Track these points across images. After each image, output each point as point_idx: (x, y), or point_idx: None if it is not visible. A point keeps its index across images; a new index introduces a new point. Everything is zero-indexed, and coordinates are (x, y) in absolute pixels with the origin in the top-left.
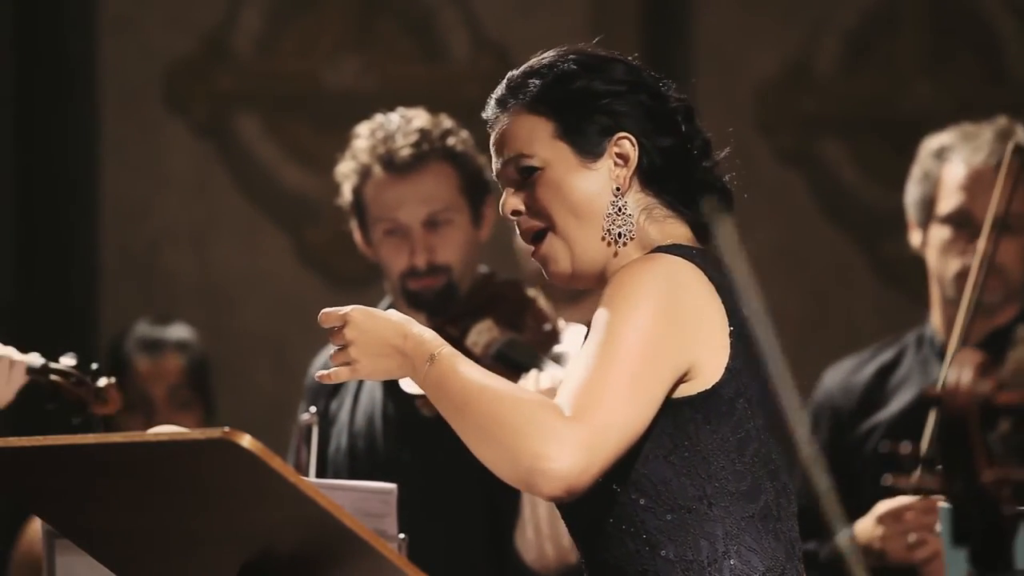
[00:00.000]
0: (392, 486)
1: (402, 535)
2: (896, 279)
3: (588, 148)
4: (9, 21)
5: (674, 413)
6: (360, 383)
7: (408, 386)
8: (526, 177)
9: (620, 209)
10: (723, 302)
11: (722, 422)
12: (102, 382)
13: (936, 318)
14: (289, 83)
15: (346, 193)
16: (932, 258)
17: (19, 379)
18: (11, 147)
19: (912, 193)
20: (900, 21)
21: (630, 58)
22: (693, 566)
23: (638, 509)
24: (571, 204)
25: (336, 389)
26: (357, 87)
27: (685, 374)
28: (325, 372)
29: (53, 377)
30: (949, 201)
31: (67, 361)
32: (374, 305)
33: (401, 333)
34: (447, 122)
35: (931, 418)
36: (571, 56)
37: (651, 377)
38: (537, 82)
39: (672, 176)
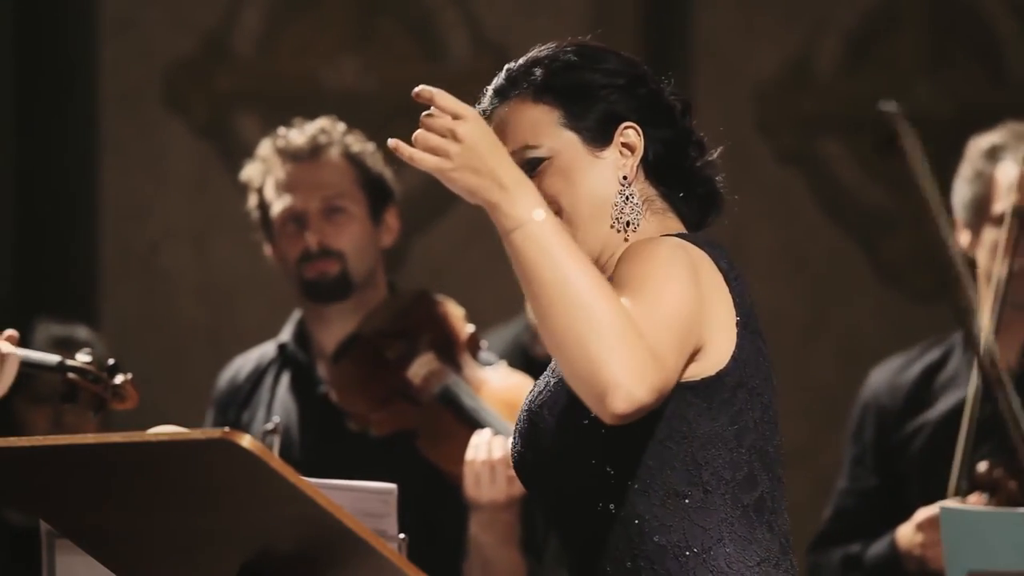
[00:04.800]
0: (392, 486)
1: (402, 535)
2: (896, 279)
3: (595, 137)
4: (10, 21)
5: (676, 397)
6: (272, 396)
7: (336, 397)
8: (532, 168)
9: (628, 198)
10: (731, 292)
11: (722, 411)
12: (119, 378)
13: (985, 318)
14: (289, 83)
15: (251, 198)
16: (984, 259)
17: (11, 372)
18: (11, 147)
19: (962, 193)
20: (900, 21)
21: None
22: (685, 553)
23: (632, 493)
24: (581, 192)
25: (248, 399)
26: (357, 87)
27: (696, 352)
28: (404, 147)
29: (70, 375)
30: (1004, 201)
31: (83, 358)
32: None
33: (511, 169)
34: (354, 132)
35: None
36: (571, 48)
37: (687, 339)
38: (541, 71)
39: (671, 169)
